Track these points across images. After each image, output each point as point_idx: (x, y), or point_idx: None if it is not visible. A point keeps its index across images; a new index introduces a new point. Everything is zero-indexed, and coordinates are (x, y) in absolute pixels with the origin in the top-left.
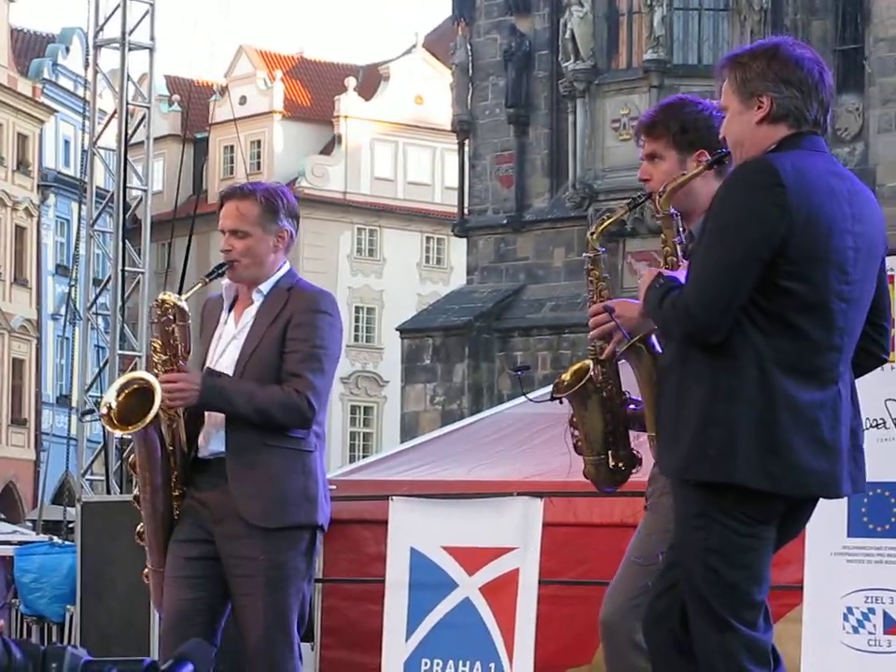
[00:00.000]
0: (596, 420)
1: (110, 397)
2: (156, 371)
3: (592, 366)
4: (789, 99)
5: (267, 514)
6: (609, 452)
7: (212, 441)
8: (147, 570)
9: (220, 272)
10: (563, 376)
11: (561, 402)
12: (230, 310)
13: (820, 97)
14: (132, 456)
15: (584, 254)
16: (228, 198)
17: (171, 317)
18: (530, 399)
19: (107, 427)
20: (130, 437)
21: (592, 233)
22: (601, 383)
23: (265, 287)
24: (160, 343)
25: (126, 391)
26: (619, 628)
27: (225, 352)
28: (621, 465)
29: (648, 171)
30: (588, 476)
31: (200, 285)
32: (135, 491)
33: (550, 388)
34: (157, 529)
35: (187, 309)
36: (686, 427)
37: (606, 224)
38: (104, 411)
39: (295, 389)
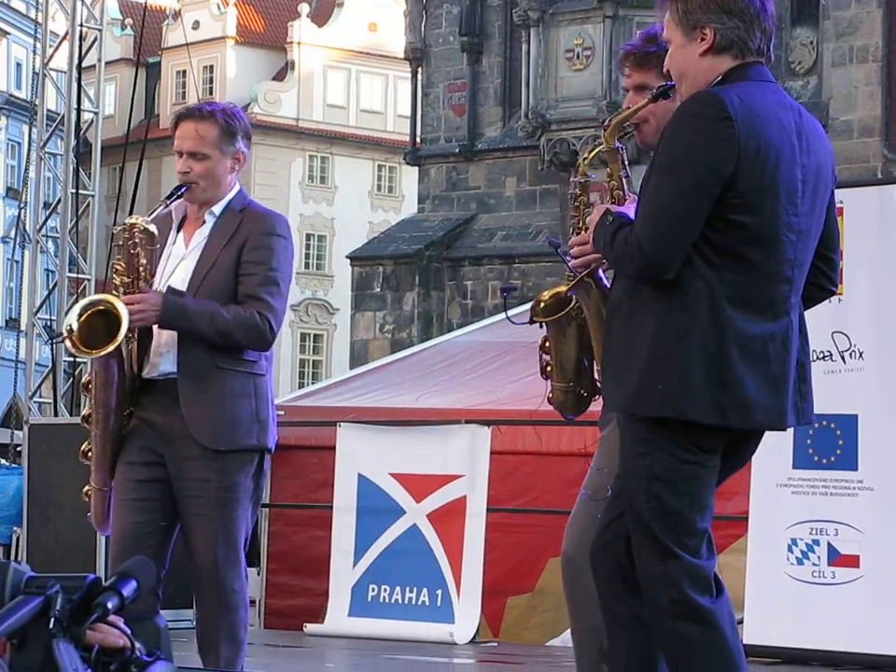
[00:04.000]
0: (572, 348)
1: (71, 319)
2: (115, 292)
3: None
4: (731, 29)
5: (219, 437)
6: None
7: (163, 361)
8: (88, 488)
9: (180, 194)
10: (541, 296)
11: (541, 326)
12: (178, 229)
13: (763, 25)
14: (85, 377)
15: (572, 179)
16: (185, 119)
17: (137, 241)
18: (511, 321)
19: (73, 351)
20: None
21: (584, 159)
22: (578, 310)
23: (217, 208)
24: (122, 265)
25: (88, 312)
26: (577, 559)
27: (175, 271)
28: (584, 392)
29: (635, 101)
30: (555, 402)
31: (161, 207)
32: (85, 411)
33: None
34: (106, 449)
35: (156, 233)
36: (634, 362)
37: (596, 151)
38: (65, 333)
39: (257, 311)
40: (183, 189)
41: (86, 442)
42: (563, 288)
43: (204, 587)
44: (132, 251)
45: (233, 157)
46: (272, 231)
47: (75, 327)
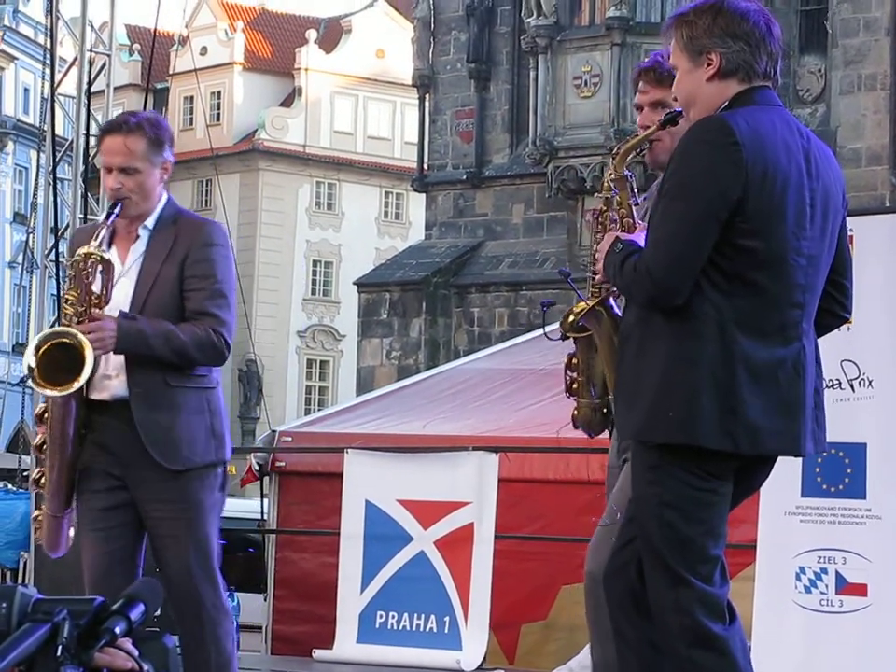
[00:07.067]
0: (601, 363)
1: (28, 358)
2: (67, 322)
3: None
4: (737, 53)
5: (177, 456)
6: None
7: (114, 384)
8: (38, 514)
9: (118, 212)
10: (572, 310)
11: (575, 341)
12: (109, 245)
13: (769, 49)
14: (39, 407)
15: (596, 194)
16: (112, 133)
17: (90, 270)
18: (548, 337)
19: (37, 390)
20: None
21: (610, 174)
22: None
23: (150, 221)
24: (75, 295)
25: (47, 345)
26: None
27: (113, 290)
28: (606, 410)
29: (651, 118)
30: (581, 420)
31: (104, 230)
32: (38, 440)
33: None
34: (62, 477)
35: (112, 261)
36: (646, 389)
37: (619, 162)
38: (25, 372)
39: (211, 328)
40: (119, 207)
41: (37, 470)
42: (593, 302)
43: (183, 606)
44: (85, 280)
45: (162, 167)
46: (210, 242)
47: (33, 364)
